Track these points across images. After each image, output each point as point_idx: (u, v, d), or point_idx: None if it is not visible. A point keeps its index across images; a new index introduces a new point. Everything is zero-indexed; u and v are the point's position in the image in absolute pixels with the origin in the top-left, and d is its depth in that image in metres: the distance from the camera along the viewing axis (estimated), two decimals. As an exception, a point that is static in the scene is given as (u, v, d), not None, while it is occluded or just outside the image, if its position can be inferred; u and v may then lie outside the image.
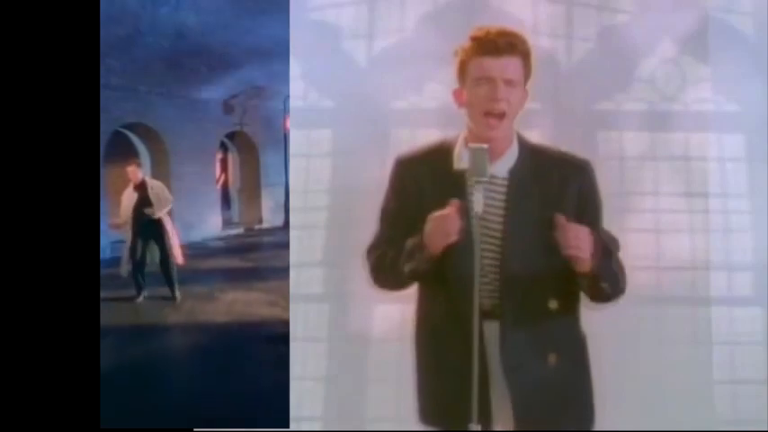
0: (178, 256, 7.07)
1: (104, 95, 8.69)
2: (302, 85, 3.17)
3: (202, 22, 8.52)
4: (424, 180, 2.05)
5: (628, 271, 2.14)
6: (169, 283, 7.08)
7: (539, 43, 2.81)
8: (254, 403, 4.07)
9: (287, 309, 5.76)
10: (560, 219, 1.88)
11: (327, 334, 3.06)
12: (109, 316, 5.56)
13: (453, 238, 1.89)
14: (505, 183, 1.99)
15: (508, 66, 1.93)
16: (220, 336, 5.71)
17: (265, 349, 5.18)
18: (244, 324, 6.06)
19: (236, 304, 6.84)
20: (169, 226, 7.06)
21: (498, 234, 1.98)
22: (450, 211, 1.88)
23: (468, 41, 1.96)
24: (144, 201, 6.87)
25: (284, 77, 3.65)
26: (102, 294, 6.28)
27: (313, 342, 3.05)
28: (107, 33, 7.52)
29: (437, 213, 1.90)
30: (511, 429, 2.01)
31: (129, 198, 6.95)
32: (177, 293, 7.08)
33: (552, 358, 2.02)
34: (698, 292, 3.05)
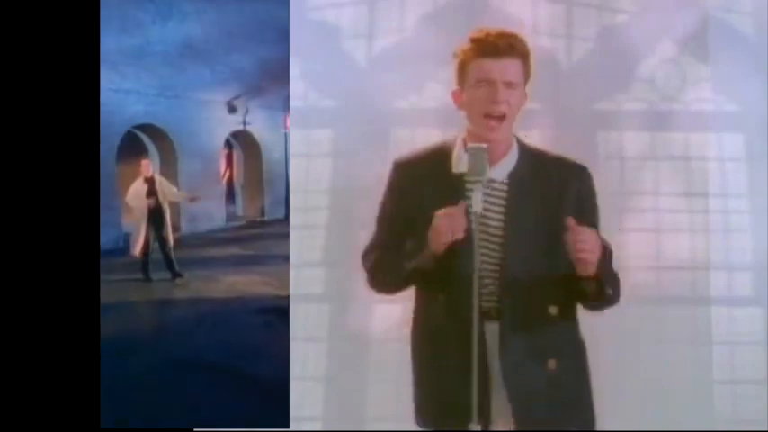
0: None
1: (118, 98, 9.88)
2: (302, 85, 3.17)
3: (206, 31, 9.34)
4: (422, 183, 2.02)
5: (628, 271, 2.13)
6: (168, 262, 7.69)
7: (539, 43, 2.81)
8: (244, 351, 5.04)
9: (278, 287, 6.60)
10: (570, 221, 1.84)
11: (327, 334, 3.06)
12: (129, 293, 7.10)
13: (459, 235, 1.86)
14: (505, 187, 1.97)
15: (508, 67, 1.90)
16: (220, 307, 6.70)
17: (255, 317, 6.06)
18: (240, 299, 6.97)
19: (236, 284, 7.64)
20: (168, 215, 7.69)
21: (498, 238, 1.96)
22: (457, 209, 1.86)
23: (468, 43, 1.94)
24: (151, 192, 7.50)
25: (284, 78, 3.66)
26: (120, 276, 7.44)
27: (313, 342, 3.05)
28: (121, 43, 8.59)
29: (444, 210, 1.87)
30: (511, 429, 2.01)
31: (137, 187, 7.55)
32: (178, 269, 7.70)
33: (552, 363, 2.00)
34: (698, 292, 3.04)
